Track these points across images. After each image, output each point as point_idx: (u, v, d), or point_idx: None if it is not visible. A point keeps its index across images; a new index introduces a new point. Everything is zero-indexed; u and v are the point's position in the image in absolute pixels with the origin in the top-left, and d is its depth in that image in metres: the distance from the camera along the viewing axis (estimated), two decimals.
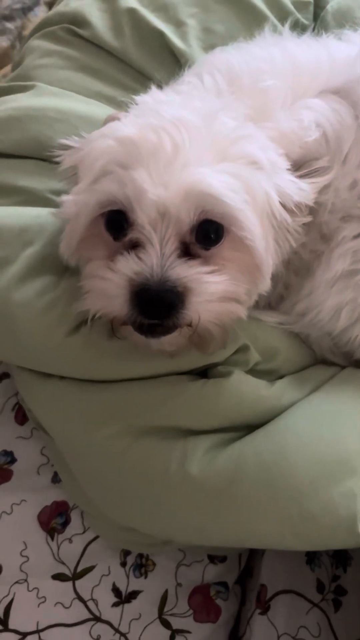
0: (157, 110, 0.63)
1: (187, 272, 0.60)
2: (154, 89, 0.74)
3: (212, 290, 0.61)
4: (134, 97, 0.71)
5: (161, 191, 0.58)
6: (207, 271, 0.61)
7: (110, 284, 0.61)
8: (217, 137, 0.62)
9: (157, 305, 0.59)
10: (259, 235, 0.62)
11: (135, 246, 0.62)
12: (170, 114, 0.61)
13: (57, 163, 0.73)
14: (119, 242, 0.63)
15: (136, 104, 0.70)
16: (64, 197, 0.67)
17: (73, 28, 1.00)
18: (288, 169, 0.67)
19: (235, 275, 0.63)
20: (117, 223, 0.63)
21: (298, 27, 0.98)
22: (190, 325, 0.62)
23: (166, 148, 0.59)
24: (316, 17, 1.03)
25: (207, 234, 0.62)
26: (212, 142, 0.61)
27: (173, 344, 0.65)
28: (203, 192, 0.59)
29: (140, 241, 0.61)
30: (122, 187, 0.59)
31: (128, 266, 0.60)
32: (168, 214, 0.59)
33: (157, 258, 0.60)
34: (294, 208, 0.66)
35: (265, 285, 0.67)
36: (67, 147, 0.72)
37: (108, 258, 0.63)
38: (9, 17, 1.43)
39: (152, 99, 0.70)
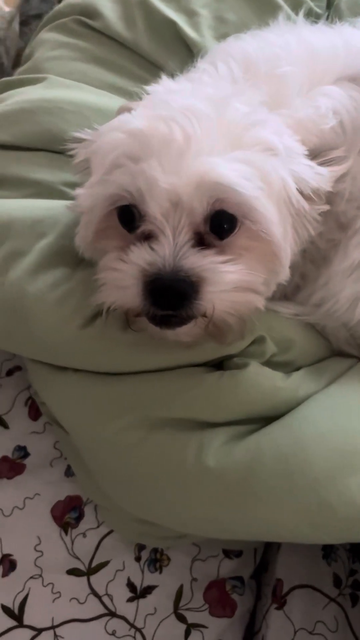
0: (167, 100, 0.62)
1: (201, 262, 0.59)
2: (164, 78, 0.73)
3: (227, 279, 0.60)
4: (145, 87, 0.70)
5: (173, 179, 0.57)
6: (222, 260, 0.60)
7: (123, 274, 0.60)
8: (230, 124, 0.60)
9: (170, 296, 0.59)
10: (276, 223, 0.61)
11: (148, 237, 0.61)
12: (179, 103, 0.60)
13: (70, 156, 0.72)
14: (132, 234, 0.63)
15: (147, 94, 0.69)
16: (78, 191, 0.66)
17: (84, 19, 0.99)
18: (305, 155, 0.66)
19: (253, 265, 0.62)
20: (129, 216, 0.62)
21: (312, 16, 0.97)
22: (205, 315, 0.61)
23: (177, 139, 0.58)
24: (329, 5, 1.03)
25: (220, 224, 0.61)
26: (225, 129, 0.60)
27: (189, 335, 0.64)
28: (215, 181, 0.57)
29: (154, 232, 0.60)
30: (133, 180, 0.59)
31: (140, 257, 0.59)
32: (181, 203, 0.58)
33: (170, 248, 0.59)
34: (311, 194, 0.65)
35: (284, 274, 0.66)
36: (80, 140, 0.71)
37: (123, 250, 0.62)
38: (24, 23, 1.43)
39: (163, 89, 0.69)
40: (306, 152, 0.66)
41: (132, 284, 0.60)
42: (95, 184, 0.63)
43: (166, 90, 0.69)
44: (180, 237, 0.59)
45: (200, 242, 0.61)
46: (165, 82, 0.72)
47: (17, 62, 1.28)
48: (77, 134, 0.71)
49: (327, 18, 0.99)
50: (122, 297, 0.62)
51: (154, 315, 0.61)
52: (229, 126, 0.61)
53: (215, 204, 0.59)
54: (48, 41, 1.00)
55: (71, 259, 0.74)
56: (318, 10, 1.00)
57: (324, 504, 0.63)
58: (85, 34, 0.99)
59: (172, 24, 0.95)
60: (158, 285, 0.58)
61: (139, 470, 0.71)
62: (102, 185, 0.62)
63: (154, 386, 0.71)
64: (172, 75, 0.75)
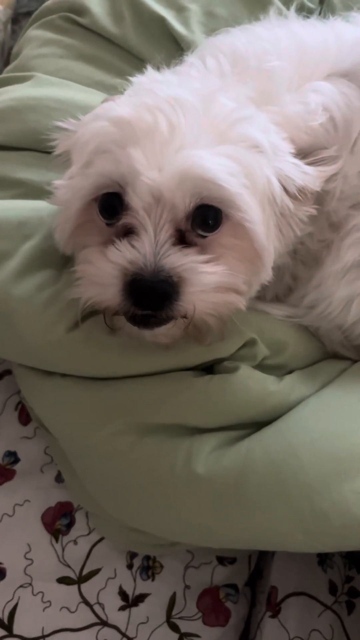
0: (152, 89, 0.61)
1: (182, 261, 0.57)
2: (149, 69, 0.71)
3: (208, 280, 0.58)
4: (129, 77, 0.68)
5: (155, 175, 0.56)
6: (203, 260, 0.58)
7: (103, 272, 0.59)
8: (216, 118, 0.59)
9: (151, 297, 0.57)
10: (259, 220, 0.59)
11: (128, 232, 0.59)
12: (165, 93, 0.59)
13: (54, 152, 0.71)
14: (112, 228, 0.61)
15: (131, 84, 0.67)
16: (56, 182, 0.64)
17: (72, 16, 0.98)
18: (292, 153, 0.64)
19: (234, 264, 0.61)
20: (111, 207, 0.60)
21: (304, 11, 0.95)
22: (185, 317, 0.59)
23: (162, 128, 0.56)
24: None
25: (205, 219, 0.59)
26: (210, 123, 0.58)
27: (167, 336, 0.63)
28: (199, 176, 0.56)
29: (134, 227, 0.59)
30: (116, 166, 0.57)
31: (121, 254, 0.58)
32: (163, 199, 0.57)
33: (151, 246, 0.57)
34: (297, 194, 0.63)
35: (266, 274, 0.65)
36: (62, 130, 0.69)
37: (102, 244, 0.61)
38: (14, 21, 1.41)
39: (147, 79, 0.68)
40: (293, 150, 0.65)
41: (112, 282, 0.58)
42: (75, 175, 0.62)
43: (151, 81, 0.68)
44: (161, 235, 0.58)
45: (182, 239, 0.59)
46: (150, 73, 0.71)
47: (6, 60, 1.26)
48: (60, 124, 0.70)
49: (320, 13, 0.97)
50: (100, 294, 0.60)
51: (134, 314, 0.59)
52: (214, 120, 0.59)
53: (197, 201, 0.58)
54: (35, 38, 0.99)
55: (57, 260, 0.73)
56: (310, 4, 0.98)
57: (318, 512, 0.62)
58: (72, 31, 0.97)
59: (161, 19, 0.94)
60: (139, 285, 0.57)
61: (128, 477, 0.70)
62: (83, 177, 0.60)
63: (143, 391, 0.69)
64: (158, 67, 0.73)
